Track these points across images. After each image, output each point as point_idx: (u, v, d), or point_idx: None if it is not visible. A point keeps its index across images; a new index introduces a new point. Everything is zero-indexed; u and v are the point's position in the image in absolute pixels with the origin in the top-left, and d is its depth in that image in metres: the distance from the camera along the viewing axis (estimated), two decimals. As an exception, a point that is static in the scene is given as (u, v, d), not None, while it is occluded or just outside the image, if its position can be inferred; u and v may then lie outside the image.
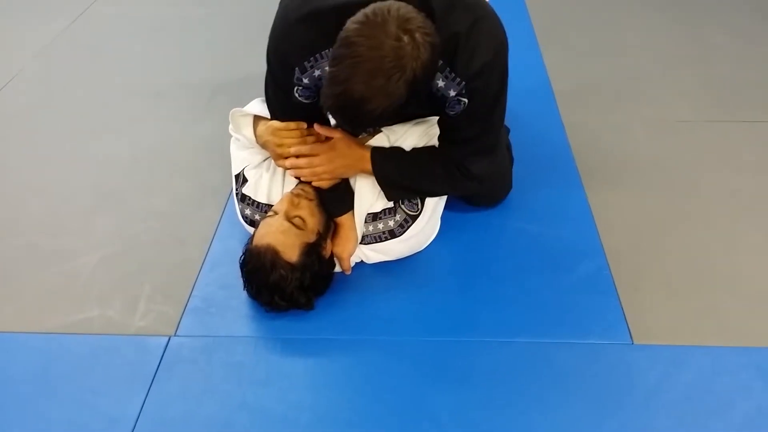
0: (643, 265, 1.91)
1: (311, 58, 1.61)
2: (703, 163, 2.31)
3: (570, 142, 2.36)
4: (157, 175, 2.34)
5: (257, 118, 1.94)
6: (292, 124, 1.78)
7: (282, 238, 1.71)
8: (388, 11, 1.40)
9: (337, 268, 1.89)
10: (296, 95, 1.69)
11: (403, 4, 1.43)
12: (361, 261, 1.93)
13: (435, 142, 1.86)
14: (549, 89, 2.67)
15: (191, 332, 1.76)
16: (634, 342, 1.69)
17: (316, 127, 1.78)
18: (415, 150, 1.85)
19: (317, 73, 1.62)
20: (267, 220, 1.78)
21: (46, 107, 2.78)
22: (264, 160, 1.98)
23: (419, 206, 1.87)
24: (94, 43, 3.28)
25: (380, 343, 1.71)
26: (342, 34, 1.42)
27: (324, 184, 1.81)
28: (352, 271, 1.90)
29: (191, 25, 3.39)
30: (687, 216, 2.09)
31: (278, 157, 1.82)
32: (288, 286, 1.70)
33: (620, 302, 1.79)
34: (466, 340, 1.71)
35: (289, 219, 1.74)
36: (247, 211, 1.94)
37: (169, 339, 1.74)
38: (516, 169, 2.10)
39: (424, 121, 1.91)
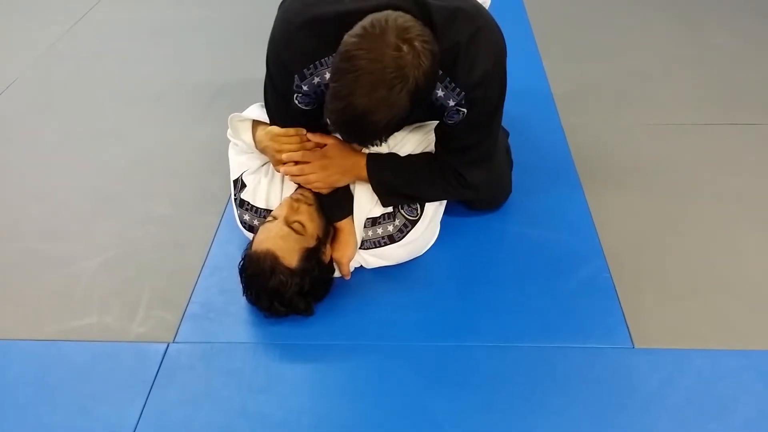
0: (643, 268, 1.91)
1: (311, 66, 1.60)
2: (704, 165, 2.30)
3: (569, 145, 2.36)
4: (156, 180, 2.34)
5: (256, 123, 1.93)
6: (291, 130, 1.77)
7: (281, 243, 1.71)
8: (386, 22, 1.39)
9: (336, 273, 1.88)
10: (295, 102, 1.69)
11: (400, 13, 1.43)
12: (361, 266, 1.93)
13: (432, 147, 1.86)
14: (548, 91, 2.66)
15: (190, 338, 1.75)
16: (635, 346, 1.69)
17: (309, 135, 1.78)
18: (411, 157, 1.85)
19: (317, 80, 1.62)
20: (266, 225, 1.77)
21: (46, 111, 2.77)
22: (262, 165, 1.98)
23: (419, 211, 1.87)
24: (94, 46, 3.28)
25: (380, 348, 1.71)
26: (341, 48, 1.42)
27: (321, 189, 1.81)
28: (351, 276, 1.89)
29: (191, 29, 3.39)
30: (687, 219, 2.08)
31: (277, 163, 1.82)
32: (287, 291, 1.70)
33: (621, 306, 1.78)
34: (467, 345, 1.70)
35: (288, 224, 1.74)
36: (246, 217, 1.94)
37: (168, 345, 1.73)
38: (515, 173, 2.10)
39: (423, 126, 1.90)
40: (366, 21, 1.41)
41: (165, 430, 1.54)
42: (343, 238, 1.86)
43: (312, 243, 1.76)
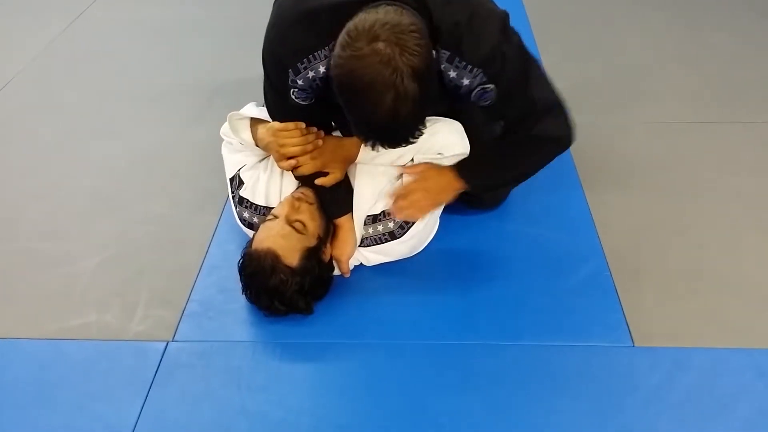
0: (643, 266, 1.91)
1: (305, 60, 1.60)
2: (703, 163, 2.30)
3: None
4: (154, 179, 2.34)
5: (255, 121, 1.93)
6: (290, 125, 1.77)
7: (282, 242, 1.70)
8: (356, 30, 1.39)
9: (336, 271, 1.88)
10: (292, 97, 1.68)
11: (375, 11, 1.43)
12: (360, 264, 1.92)
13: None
14: (547, 90, 2.65)
15: (189, 337, 1.75)
16: (635, 344, 1.68)
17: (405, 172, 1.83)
18: (490, 150, 1.84)
19: (311, 74, 1.62)
20: (267, 223, 1.77)
21: (43, 110, 2.77)
22: (260, 161, 1.97)
23: None
24: (92, 45, 3.28)
25: (380, 346, 1.71)
26: (336, 80, 1.43)
27: (325, 183, 1.81)
28: (351, 274, 1.89)
29: (189, 28, 3.39)
30: (687, 217, 2.08)
31: (280, 158, 1.81)
32: (288, 290, 1.70)
33: (621, 304, 1.78)
34: (467, 344, 1.70)
35: (290, 223, 1.74)
36: (245, 214, 1.93)
37: (167, 344, 1.73)
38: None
39: None
40: (339, 40, 1.41)
41: (164, 428, 1.54)
42: (343, 235, 1.85)
43: (313, 242, 1.75)
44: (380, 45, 1.36)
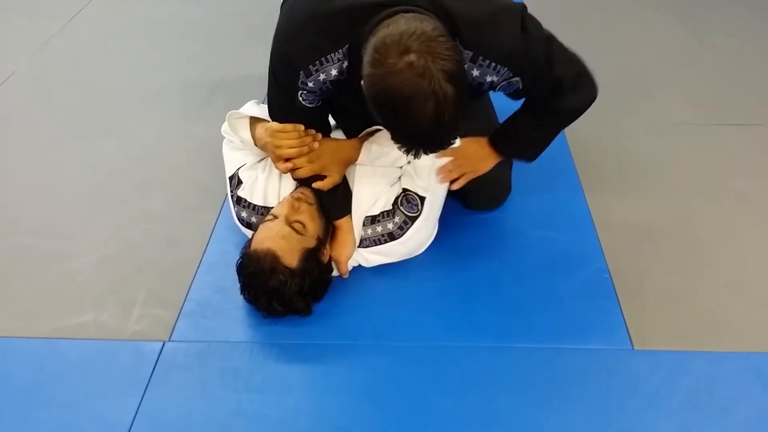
0: (643, 269, 1.90)
1: (316, 62, 1.58)
2: (704, 164, 2.29)
3: (569, 144, 2.35)
4: (153, 177, 2.33)
5: (254, 120, 1.92)
6: (289, 126, 1.75)
7: (282, 243, 1.70)
8: (385, 44, 1.37)
9: (335, 272, 1.87)
10: (300, 99, 1.67)
11: (396, 19, 1.42)
12: (359, 265, 1.91)
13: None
14: (547, 91, 2.65)
15: (186, 337, 1.74)
16: (635, 347, 1.68)
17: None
18: (520, 122, 1.84)
19: (322, 76, 1.61)
20: (266, 224, 1.76)
21: (41, 108, 2.76)
22: (258, 161, 1.97)
23: (419, 207, 1.86)
24: (90, 43, 3.26)
25: (378, 348, 1.70)
26: (373, 98, 1.41)
27: (322, 186, 1.80)
28: (349, 275, 1.88)
29: (188, 26, 3.37)
30: (687, 218, 2.07)
31: (277, 159, 1.80)
32: (287, 291, 1.69)
33: (620, 307, 1.78)
34: (466, 346, 1.69)
35: (289, 223, 1.73)
36: (244, 214, 1.93)
37: (163, 344, 1.72)
38: (515, 172, 2.09)
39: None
40: (368, 58, 1.40)
41: (160, 428, 1.53)
42: (342, 236, 1.85)
43: (312, 243, 1.75)
44: (412, 57, 1.34)
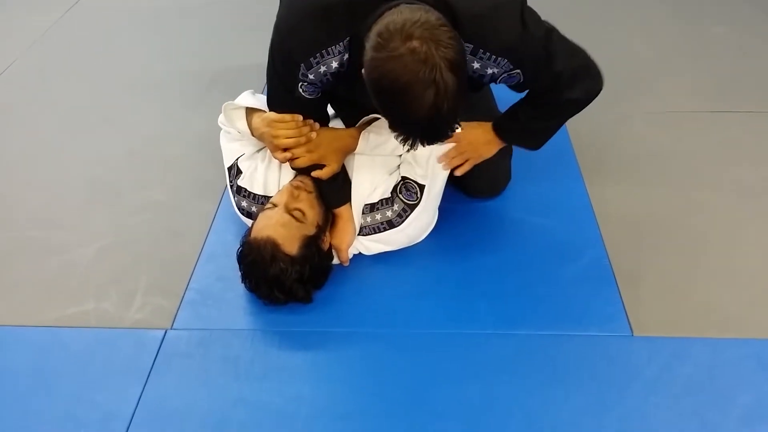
0: (642, 256, 1.90)
1: (317, 55, 1.58)
2: (704, 154, 2.29)
3: (569, 133, 2.34)
4: (152, 168, 2.32)
5: (251, 111, 1.92)
6: (287, 116, 1.75)
7: (282, 231, 1.70)
8: (387, 30, 1.37)
9: (335, 260, 1.87)
10: (300, 90, 1.66)
11: (399, 9, 1.42)
12: (360, 252, 1.92)
13: None
14: (547, 80, 2.64)
15: (188, 325, 1.75)
16: (634, 334, 1.68)
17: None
18: (522, 112, 1.83)
19: (323, 69, 1.60)
20: (266, 212, 1.76)
21: (40, 100, 2.75)
22: (257, 151, 1.97)
23: (418, 195, 1.86)
24: (87, 34, 3.25)
25: (379, 335, 1.70)
26: (373, 83, 1.41)
27: (321, 175, 1.80)
28: (350, 262, 1.89)
29: (187, 16, 3.36)
30: (687, 207, 2.07)
31: (275, 149, 1.80)
32: (287, 279, 1.69)
33: (620, 294, 1.78)
34: (466, 333, 1.70)
35: (289, 211, 1.73)
36: (244, 204, 1.93)
37: (165, 332, 1.72)
38: (515, 161, 2.09)
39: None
40: (371, 43, 1.39)
41: (162, 416, 1.54)
42: (342, 224, 1.85)
43: (312, 230, 1.75)
44: (415, 43, 1.34)
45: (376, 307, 1.78)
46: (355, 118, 1.92)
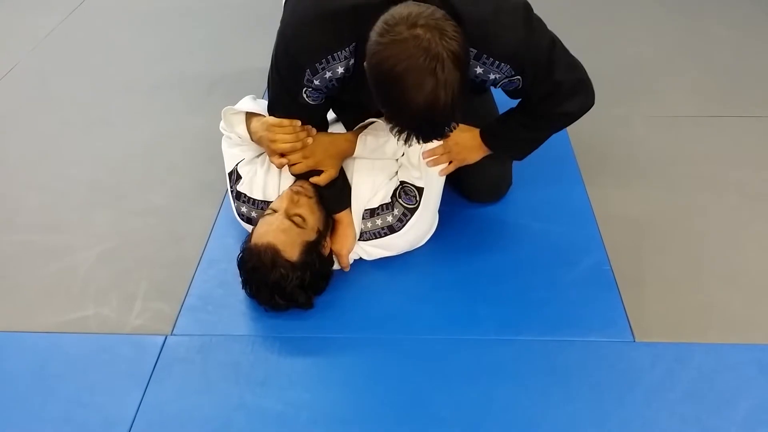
0: (644, 260, 1.90)
1: (323, 60, 1.58)
2: (705, 157, 2.29)
3: (570, 136, 2.34)
4: (153, 171, 2.32)
5: (250, 115, 1.91)
6: (285, 121, 1.75)
7: (283, 237, 1.70)
8: (393, 19, 1.37)
9: (336, 266, 1.87)
10: (303, 96, 1.66)
11: (405, 4, 1.41)
12: (360, 258, 1.91)
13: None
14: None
15: (188, 331, 1.74)
16: (636, 339, 1.68)
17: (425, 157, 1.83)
18: (513, 121, 1.83)
19: (329, 74, 1.60)
20: (266, 218, 1.76)
21: (42, 102, 2.76)
22: (257, 156, 1.97)
23: (417, 199, 1.86)
24: (90, 36, 3.25)
25: (380, 340, 1.70)
26: (372, 68, 1.39)
27: (319, 181, 1.80)
28: (351, 268, 1.88)
29: (189, 19, 3.36)
30: (688, 211, 2.07)
31: (272, 154, 1.80)
32: (288, 285, 1.69)
33: (621, 299, 1.78)
34: (467, 338, 1.70)
35: (289, 217, 1.73)
36: (243, 209, 1.93)
37: (165, 338, 1.72)
38: (515, 165, 2.09)
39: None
40: (376, 29, 1.38)
41: (162, 423, 1.54)
42: (342, 229, 1.85)
43: (313, 236, 1.75)
44: (420, 30, 1.33)
45: (377, 312, 1.77)
46: (358, 122, 1.92)
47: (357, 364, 1.66)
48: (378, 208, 1.86)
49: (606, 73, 2.75)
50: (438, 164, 1.86)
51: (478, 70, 1.59)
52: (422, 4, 1.41)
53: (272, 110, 1.80)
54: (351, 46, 1.55)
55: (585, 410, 1.52)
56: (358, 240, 1.88)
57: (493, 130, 1.87)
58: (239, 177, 1.94)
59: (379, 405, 1.55)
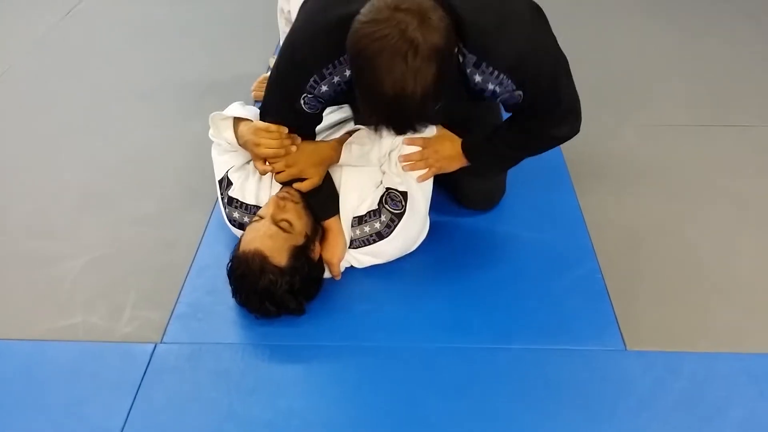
0: (635, 269, 1.90)
1: (330, 65, 1.58)
2: (695, 166, 2.30)
3: (561, 145, 2.34)
4: (144, 178, 2.31)
5: (238, 120, 1.91)
6: (272, 126, 1.75)
7: (270, 243, 1.69)
8: (381, 2, 1.36)
9: (327, 274, 1.86)
10: (301, 103, 1.67)
11: None
12: (352, 266, 1.91)
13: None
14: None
15: (178, 339, 1.73)
16: (627, 348, 1.68)
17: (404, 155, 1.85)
18: (498, 137, 1.83)
19: (336, 78, 1.60)
20: (253, 225, 1.76)
21: (33, 107, 2.74)
22: (247, 162, 1.96)
23: (403, 204, 1.85)
24: (82, 42, 3.24)
25: (371, 349, 1.69)
26: (349, 47, 1.39)
27: (302, 187, 1.80)
28: (342, 276, 1.87)
29: (181, 26, 3.35)
30: (679, 220, 2.07)
31: (256, 159, 1.80)
32: (278, 290, 1.68)
33: (613, 308, 1.78)
34: (459, 347, 1.69)
35: (275, 222, 1.72)
36: (235, 215, 1.92)
37: (155, 346, 1.71)
38: (508, 173, 2.08)
39: None
40: (363, 9, 1.38)
41: (152, 431, 1.52)
42: (332, 237, 1.84)
43: (300, 240, 1.74)
44: (400, 14, 1.32)
45: (368, 320, 1.77)
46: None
47: (348, 372, 1.65)
48: (366, 215, 1.86)
49: (597, 82, 2.77)
50: (414, 170, 1.86)
51: (477, 78, 1.57)
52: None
53: (264, 114, 1.80)
54: None
55: (577, 419, 1.52)
56: (349, 248, 1.87)
57: (475, 144, 1.87)
58: (230, 183, 1.93)
59: (371, 414, 1.55)
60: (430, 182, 1.92)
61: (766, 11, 3.32)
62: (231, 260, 1.73)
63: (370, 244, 1.87)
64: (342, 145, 1.87)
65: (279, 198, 1.79)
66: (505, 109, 1.73)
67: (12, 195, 2.26)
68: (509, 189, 2.10)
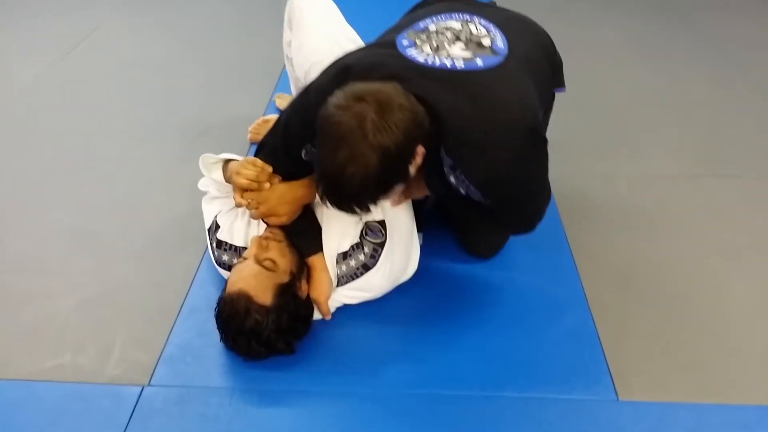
0: (627, 318, 1.90)
1: None
2: (687, 216, 2.31)
3: (553, 192, 2.35)
4: (137, 218, 2.31)
5: (227, 162, 1.93)
6: (259, 162, 1.79)
7: (254, 282, 1.69)
8: (354, 87, 1.46)
9: (318, 315, 1.85)
10: (302, 153, 1.72)
11: (385, 85, 1.48)
12: (344, 305, 1.90)
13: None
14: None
15: (166, 382, 1.71)
16: (619, 398, 1.67)
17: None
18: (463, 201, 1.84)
19: None
20: (237, 266, 1.76)
21: (27, 143, 2.74)
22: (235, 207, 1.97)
23: (383, 232, 1.86)
24: (79, 82, 3.25)
25: (361, 394, 1.68)
26: (316, 125, 1.48)
27: (275, 222, 1.82)
28: (333, 318, 1.86)
29: (180, 66, 3.37)
30: (671, 269, 2.08)
31: (235, 189, 1.82)
32: (265, 330, 1.67)
33: (604, 356, 1.77)
34: (449, 394, 1.68)
35: (259, 262, 1.73)
36: (225, 257, 1.92)
37: (142, 388, 1.69)
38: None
39: None
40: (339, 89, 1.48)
41: (136, 477, 1.50)
42: (317, 275, 1.84)
43: (285, 278, 1.74)
44: (360, 107, 1.42)
45: (358, 365, 1.75)
46: None
47: (336, 418, 1.63)
48: (349, 249, 1.85)
49: (587, 132, 2.80)
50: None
51: (451, 178, 1.65)
52: (401, 88, 1.47)
53: (260, 150, 1.86)
54: None
55: (568, 470, 1.51)
56: (337, 286, 1.86)
57: (445, 200, 1.93)
58: (218, 226, 1.94)
59: (359, 462, 1.53)
60: (408, 206, 1.92)
61: (754, 60, 3.38)
62: (217, 303, 1.73)
63: (358, 277, 1.86)
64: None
65: (262, 238, 1.80)
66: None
67: (4, 232, 2.25)
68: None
